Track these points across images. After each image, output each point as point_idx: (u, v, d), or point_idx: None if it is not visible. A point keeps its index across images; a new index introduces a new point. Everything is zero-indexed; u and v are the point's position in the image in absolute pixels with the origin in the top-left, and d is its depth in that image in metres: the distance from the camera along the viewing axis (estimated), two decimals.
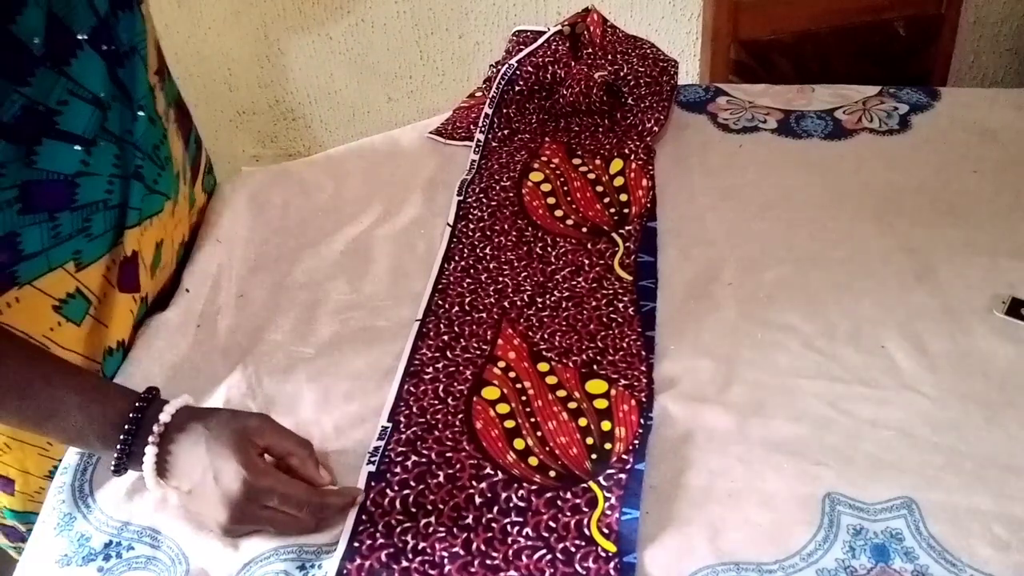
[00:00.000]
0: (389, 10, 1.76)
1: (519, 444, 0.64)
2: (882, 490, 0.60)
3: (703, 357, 0.71)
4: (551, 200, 0.88)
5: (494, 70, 1.02)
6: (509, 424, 0.66)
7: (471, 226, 0.86)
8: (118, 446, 0.60)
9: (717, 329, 0.74)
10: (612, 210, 0.87)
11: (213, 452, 0.58)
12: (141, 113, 0.72)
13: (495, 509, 0.60)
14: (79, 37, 0.63)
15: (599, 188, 0.89)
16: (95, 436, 0.61)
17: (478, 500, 0.60)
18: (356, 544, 0.58)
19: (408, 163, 0.98)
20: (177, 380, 0.73)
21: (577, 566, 0.56)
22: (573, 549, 0.57)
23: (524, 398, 0.68)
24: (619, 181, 0.90)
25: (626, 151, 0.93)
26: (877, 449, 0.63)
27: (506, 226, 0.85)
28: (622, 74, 0.99)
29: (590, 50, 1.01)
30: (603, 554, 0.57)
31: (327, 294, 0.81)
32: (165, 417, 0.60)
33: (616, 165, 0.92)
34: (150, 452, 0.59)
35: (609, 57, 1.00)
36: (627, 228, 0.84)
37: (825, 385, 0.68)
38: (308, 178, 0.96)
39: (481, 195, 0.89)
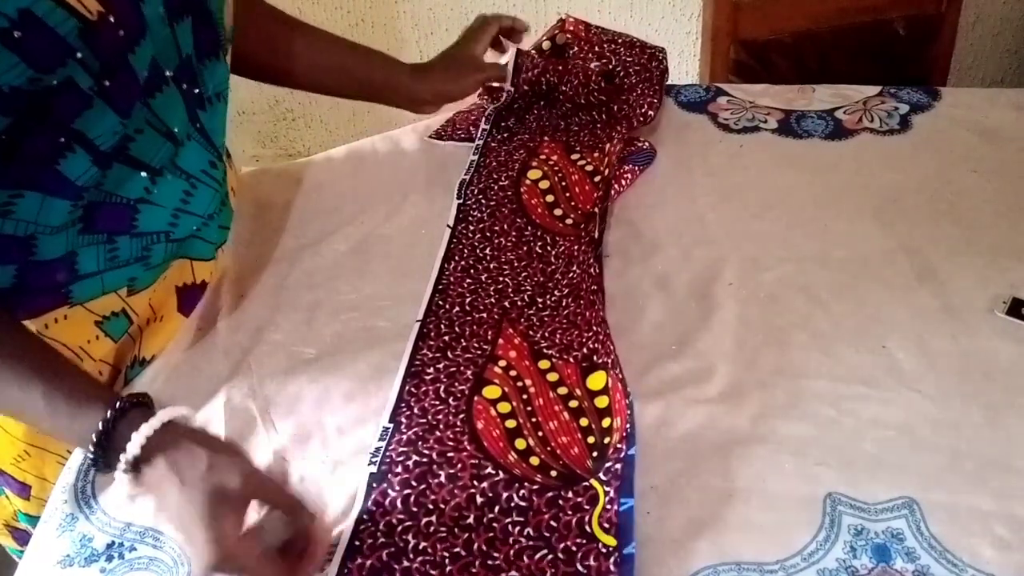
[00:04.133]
0: (389, 10, 1.76)
1: (520, 444, 0.64)
2: (883, 490, 0.60)
3: (703, 357, 0.71)
4: (550, 198, 0.88)
5: (488, 87, 1.02)
6: (510, 424, 0.66)
7: (471, 227, 0.86)
8: (89, 460, 0.57)
9: (717, 329, 0.74)
10: (599, 193, 0.87)
11: (184, 515, 0.53)
12: (224, 157, 0.75)
13: (496, 509, 0.60)
14: (167, 74, 0.65)
15: (597, 179, 0.89)
16: (69, 441, 0.59)
17: (479, 500, 0.60)
18: (357, 543, 0.58)
19: (408, 164, 0.98)
20: (178, 380, 0.73)
21: (578, 565, 0.56)
22: (574, 548, 0.57)
23: (525, 396, 0.68)
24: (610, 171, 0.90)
25: (614, 134, 0.93)
26: (878, 449, 0.63)
27: (505, 226, 0.86)
28: (611, 66, 0.99)
29: (576, 48, 1.02)
30: (603, 550, 0.57)
31: (328, 294, 0.81)
32: (133, 448, 0.55)
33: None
34: (121, 479, 0.56)
35: (596, 50, 1.00)
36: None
37: (826, 385, 0.68)
38: (308, 178, 0.96)
39: (480, 195, 0.89)
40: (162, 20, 0.62)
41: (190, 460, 0.55)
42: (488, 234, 0.85)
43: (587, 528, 0.58)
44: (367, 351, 0.74)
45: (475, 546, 0.58)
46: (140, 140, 0.64)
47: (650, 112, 0.95)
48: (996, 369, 0.68)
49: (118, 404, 0.56)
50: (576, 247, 0.82)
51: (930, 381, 0.68)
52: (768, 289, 0.77)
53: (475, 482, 0.61)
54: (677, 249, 0.83)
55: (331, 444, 0.67)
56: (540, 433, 0.65)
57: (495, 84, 1.01)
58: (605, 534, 0.58)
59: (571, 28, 1.03)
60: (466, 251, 0.83)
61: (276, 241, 0.88)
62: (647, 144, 0.95)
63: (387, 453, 0.64)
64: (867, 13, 1.47)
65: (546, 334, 0.73)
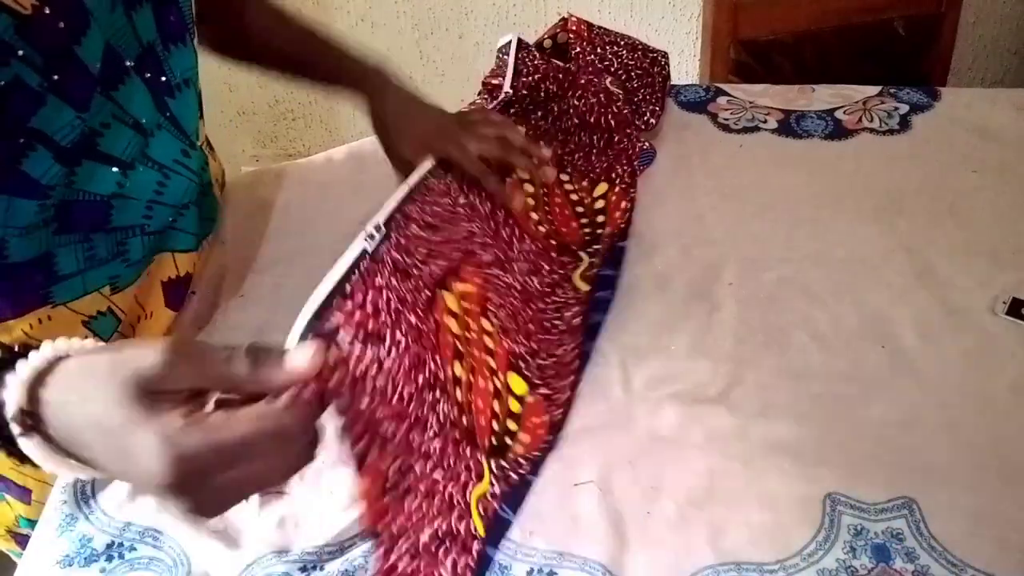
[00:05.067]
0: (389, 10, 1.76)
1: (458, 370, 0.60)
2: (883, 490, 0.60)
3: (703, 357, 0.71)
4: (531, 201, 0.86)
5: (488, 85, 1.02)
6: (458, 344, 0.61)
7: (449, 177, 0.75)
8: None
9: (717, 329, 0.74)
10: (586, 231, 0.85)
11: (110, 430, 0.40)
12: (199, 143, 0.74)
13: (426, 399, 0.55)
14: (127, 64, 0.64)
15: (579, 209, 0.87)
16: None
17: (420, 381, 0.55)
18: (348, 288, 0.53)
19: None
20: None
21: (453, 519, 0.55)
22: (455, 503, 0.56)
23: (468, 335, 0.63)
24: (600, 204, 0.88)
25: (613, 175, 0.91)
26: (878, 449, 0.63)
27: (484, 195, 0.77)
28: (612, 69, 0.98)
29: (578, 49, 1.01)
30: (473, 530, 0.56)
31: None
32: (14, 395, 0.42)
33: (600, 189, 0.89)
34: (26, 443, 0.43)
35: (598, 51, 1.00)
36: (596, 247, 0.82)
37: (826, 385, 0.68)
38: (308, 178, 0.96)
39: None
40: (109, 7, 0.60)
41: (83, 373, 0.42)
42: (465, 189, 0.75)
43: (468, 496, 0.57)
44: None
45: (407, 419, 0.52)
46: (108, 135, 0.64)
47: (652, 120, 0.95)
48: (996, 369, 0.68)
49: None
50: (545, 265, 0.78)
51: (930, 381, 0.68)
52: (768, 289, 0.77)
53: (419, 365, 0.55)
54: (677, 249, 0.83)
55: (331, 443, 0.66)
56: (468, 380, 0.60)
57: (494, 81, 1.01)
58: (479, 518, 0.57)
59: (573, 27, 1.03)
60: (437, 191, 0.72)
61: (276, 241, 0.88)
62: (647, 144, 0.95)
63: (379, 248, 0.56)
64: (867, 13, 1.47)
65: (497, 300, 0.68)
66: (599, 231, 0.85)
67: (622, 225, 0.86)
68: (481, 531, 0.57)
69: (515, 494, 0.60)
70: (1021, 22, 1.75)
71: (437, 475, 0.55)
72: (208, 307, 0.80)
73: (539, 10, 1.75)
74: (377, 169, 0.98)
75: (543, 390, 0.67)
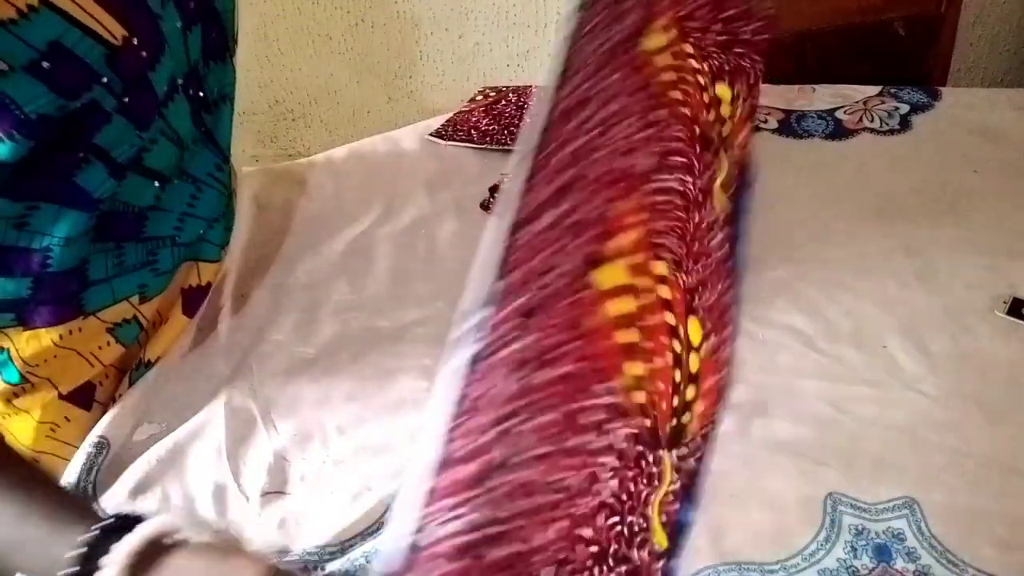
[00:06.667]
0: (389, 10, 1.76)
1: (634, 370, 0.46)
2: (884, 490, 0.60)
3: None
4: (668, 76, 0.57)
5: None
6: (624, 338, 0.47)
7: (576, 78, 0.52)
8: None
9: None
10: (718, 127, 0.63)
11: None
12: (230, 159, 0.75)
13: (588, 436, 0.44)
14: (178, 82, 0.65)
15: (706, 97, 0.62)
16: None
17: (580, 420, 0.44)
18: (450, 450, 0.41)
19: (408, 164, 0.98)
20: (179, 381, 0.73)
21: (635, 550, 0.46)
22: (636, 528, 0.46)
23: (642, 303, 0.48)
24: (726, 110, 0.64)
25: (738, 83, 0.66)
26: (879, 449, 0.63)
27: (617, 75, 0.53)
28: None
29: None
30: (656, 548, 0.48)
31: (328, 294, 0.81)
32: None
33: (723, 92, 0.64)
34: None
35: None
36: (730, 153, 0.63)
37: (826, 385, 0.68)
38: (308, 178, 0.96)
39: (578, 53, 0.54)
40: (179, 33, 0.62)
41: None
42: (597, 77, 0.52)
43: (648, 509, 0.47)
44: (367, 351, 0.74)
45: (561, 462, 0.43)
46: (154, 150, 0.65)
47: None
48: (996, 369, 0.68)
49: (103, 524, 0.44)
50: (696, 162, 0.57)
51: (930, 381, 0.68)
52: (768, 289, 0.77)
53: (575, 398, 0.44)
54: None
55: (331, 444, 0.67)
56: (649, 365, 0.47)
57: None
58: (661, 528, 0.49)
59: None
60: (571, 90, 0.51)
61: (277, 241, 0.88)
62: None
63: (492, 324, 0.43)
64: (867, 13, 1.46)
65: (662, 224, 0.51)
66: (725, 139, 0.64)
67: (743, 159, 0.66)
68: (663, 543, 0.48)
69: (694, 487, 0.51)
70: (1021, 22, 1.75)
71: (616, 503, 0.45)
72: (211, 308, 0.80)
73: (539, 10, 1.75)
74: (377, 169, 0.98)
75: (713, 338, 0.54)
